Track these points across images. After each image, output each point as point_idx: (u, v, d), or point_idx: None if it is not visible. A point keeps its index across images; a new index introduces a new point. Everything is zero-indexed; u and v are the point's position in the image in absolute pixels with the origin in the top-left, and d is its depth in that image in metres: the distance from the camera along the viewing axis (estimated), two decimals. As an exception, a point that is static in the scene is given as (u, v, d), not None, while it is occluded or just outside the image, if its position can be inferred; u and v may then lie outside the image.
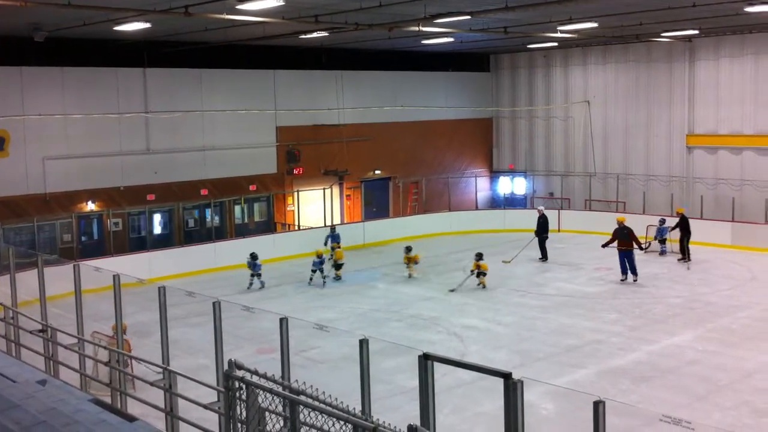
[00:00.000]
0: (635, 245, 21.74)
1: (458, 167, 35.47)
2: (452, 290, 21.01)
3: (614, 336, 16.76)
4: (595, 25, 23.28)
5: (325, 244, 24.53)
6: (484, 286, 21.09)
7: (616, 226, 22.19)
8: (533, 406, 11.67)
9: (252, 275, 21.80)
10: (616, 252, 21.85)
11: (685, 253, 24.33)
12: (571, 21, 22.09)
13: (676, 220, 25.02)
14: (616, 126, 33.08)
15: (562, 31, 24.54)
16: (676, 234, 24.87)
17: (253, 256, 21.88)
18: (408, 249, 22.87)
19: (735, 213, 27.42)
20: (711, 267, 23.53)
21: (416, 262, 22.77)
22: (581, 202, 32.88)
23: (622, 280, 21.54)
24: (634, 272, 21.57)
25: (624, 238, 21.73)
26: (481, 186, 35.13)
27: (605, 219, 26.29)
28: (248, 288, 21.62)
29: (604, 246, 22.28)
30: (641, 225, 26.00)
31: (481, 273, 21.24)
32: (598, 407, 5.02)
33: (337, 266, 22.53)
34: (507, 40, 28.63)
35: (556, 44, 31.78)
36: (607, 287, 21.28)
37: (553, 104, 35.09)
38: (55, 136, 24.16)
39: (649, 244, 22.82)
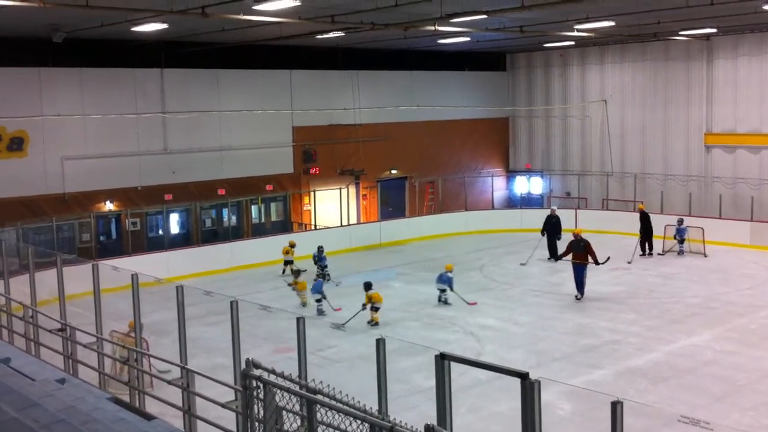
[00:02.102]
0: (591, 260, 19.88)
1: (474, 167, 35.40)
2: (341, 325, 17.40)
3: (632, 336, 16.68)
4: (612, 23, 23.16)
5: (316, 263, 22.48)
6: (376, 323, 17.79)
7: (572, 238, 20.44)
8: (550, 406, 11.63)
9: (321, 267, 22.18)
10: (631, 251, 21.75)
11: (644, 249, 24.86)
12: (588, 20, 21.98)
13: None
14: (634, 125, 32.90)
15: (578, 30, 24.42)
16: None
17: (320, 249, 22.46)
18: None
19: (754, 212, 27.20)
20: (729, 266, 23.36)
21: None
22: (598, 202, 32.73)
23: (577, 298, 19.76)
24: (581, 288, 19.81)
25: (579, 251, 19.99)
26: (497, 185, 35.04)
27: (622, 218, 26.17)
28: (293, 284, 20.45)
29: (557, 259, 21.47)
30: (659, 225, 25.89)
31: (373, 307, 17.96)
32: (616, 407, 5.01)
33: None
34: (523, 39, 28.55)
35: (572, 43, 31.65)
36: (624, 287, 21.18)
37: (570, 103, 34.95)
38: (73, 136, 24.33)
39: (608, 258, 20.56)
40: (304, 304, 19.62)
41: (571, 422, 11.87)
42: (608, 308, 19.03)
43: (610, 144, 33.54)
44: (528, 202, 34.65)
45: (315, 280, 20.25)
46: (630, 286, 21.34)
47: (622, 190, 32.87)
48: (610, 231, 27.11)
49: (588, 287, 20.79)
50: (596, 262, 19.99)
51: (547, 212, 25.92)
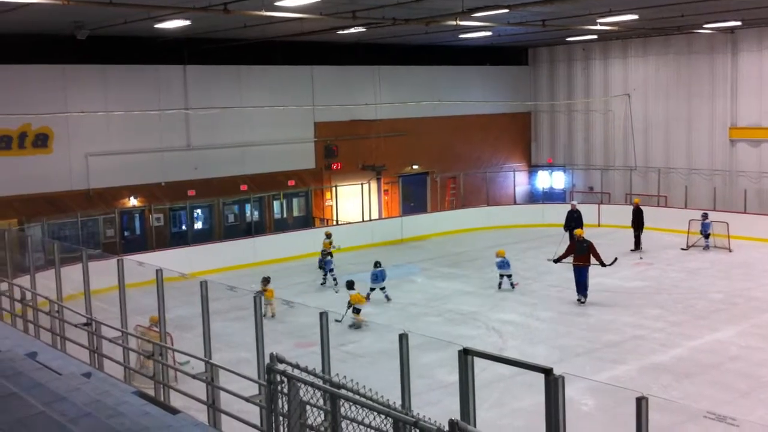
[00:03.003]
0: (597, 261, 19.03)
1: (496, 162, 35.29)
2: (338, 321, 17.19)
3: (656, 332, 16.57)
4: (635, 17, 22.98)
5: (320, 268, 22.10)
6: (358, 326, 17.35)
7: (576, 239, 19.59)
8: (573, 402, 11.58)
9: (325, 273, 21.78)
10: (655, 246, 21.58)
11: (637, 244, 24.84)
12: (610, 13, 21.83)
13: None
14: (657, 119, 32.62)
15: (601, 24, 24.25)
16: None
17: (324, 254, 22.04)
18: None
19: (779, 207, 26.95)
20: (754, 262, 23.13)
21: (357, 309, 17.82)
22: (621, 197, 32.51)
23: (579, 301, 18.96)
24: (585, 291, 19.01)
25: (582, 253, 19.09)
26: (519, 180, 34.92)
27: (646, 214, 25.94)
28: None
29: (556, 261, 19.87)
30: (683, 220, 25.69)
31: (355, 309, 17.65)
32: (641, 403, 4.96)
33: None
34: (545, 34, 28.39)
35: (595, 37, 31.43)
36: (648, 282, 21.03)
37: (593, 97, 34.72)
38: (97, 132, 24.54)
39: (616, 259, 19.78)
40: (272, 315, 18.07)
41: (594, 418, 11.81)
42: (631, 304, 18.91)
43: (634, 138, 33.30)
44: (550, 196, 34.48)
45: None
46: (654, 281, 21.18)
47: (645, 184, 32.63)
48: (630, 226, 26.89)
49: (611, 282, 20.69)
50: (602, 264, 19.11)
51: (569, 208, 25.79)
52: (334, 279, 21.42)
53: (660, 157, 32.54)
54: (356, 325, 17.39)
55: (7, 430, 4.54)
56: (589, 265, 19.05)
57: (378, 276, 19.84)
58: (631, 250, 24.60)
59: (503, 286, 20.54)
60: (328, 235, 23.78)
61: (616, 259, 19.95)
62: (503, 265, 20.68)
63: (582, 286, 18.99)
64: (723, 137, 30.59)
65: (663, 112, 32.40)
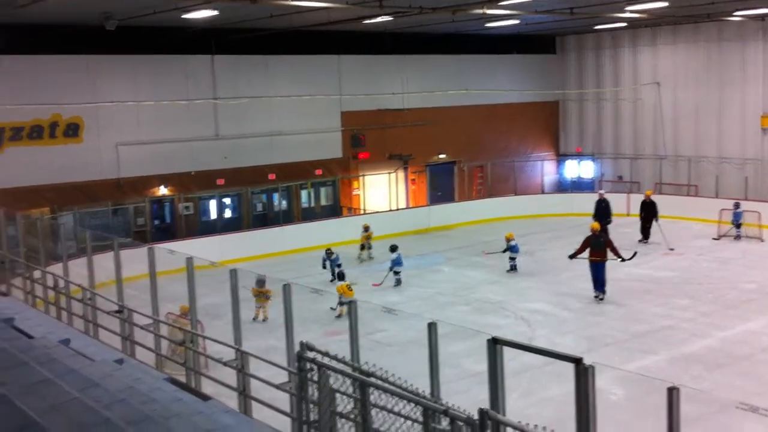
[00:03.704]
0: (614, 256, 18.43)
1: (524, 151, 35.10)
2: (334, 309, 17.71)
3: (686, 322, 16.43)
4: (665, 4, 22.67)
5: (324, 267, 21.14)
6: (339, 316, 17.32)
7: (589, 234, 18.95)
8: (603, 392, 11.50)
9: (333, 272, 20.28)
10: (685, 236, 21.36)
11: (646, 235, 24.45)
12: (639, 0, 21.57)
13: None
14: (687, 107, 32.22)
15: (630, 12, 23.98)
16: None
17: (329, 252, 21.16)
18: (340, 276, 18.35)
19: (812, 196, 26.54)
20: (787, 252, 22.85)
21: (341, 302, 17.43)
22: (651, 186, 32.14)
23: (598, 298, 18.35)
24: (603, 288, 18.39)
25: (598, 248, 18.50)
26: (547, 170, 34.71)
27: (676, 203, 25.72)
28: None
29: (571, 257, 18.99)
30: (714, 209, 25.40)
31: (340, 301, 17.35)
32: (672, 393, 4.94)
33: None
34: (573, 22, 28.10)
35: (624, 25, 31.08)
36: (678, 272, 20.84)
37: (622, 86, 34.37)
38: (127, 122, 24.76)
39: (635, 254, 19.28)
40: (264, 319, 17.00)
41: (624, 408, 11.76)
42: (661, 293, 18.76)
43: (663, 127, 32.94)
44: (579, 186, 34.25)
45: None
46: (684, 271, 20.98)
47: (675, 173, 32.28)
48: (663, 216, 26.61)
49: (641, 272, 20.53)
50: (621, 258, 18.51)
51: (596, 197, 25.60)
52: (335, 274, 19.62)
53: (690, 146, 32.15)
54: (341, 316, 17.26)
55: (43, 415, 4.62)
56: (606, 260, 18.42)
57: (398, 260, 20.22)
58: (639, 241, 24.15)
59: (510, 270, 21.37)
60: (366, 228, 23.77)
61: (635, 253, 19.47)
62: (516, 247, 21.50)
63: (599, 283, 18.37)
64: (755, 126, 30.14)
65: (693, 101, 32.00)
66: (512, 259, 21.53)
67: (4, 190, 21.67)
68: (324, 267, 21.04)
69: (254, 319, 16.74)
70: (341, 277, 18.16)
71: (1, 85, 22.03)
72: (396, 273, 20.41)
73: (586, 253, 18.65)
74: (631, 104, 34.24)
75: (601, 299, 18.28)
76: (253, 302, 17.00)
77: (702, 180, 30.82)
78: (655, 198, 25.13)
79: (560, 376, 11.71)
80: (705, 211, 26.35)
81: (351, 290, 17.58)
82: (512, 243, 21.57)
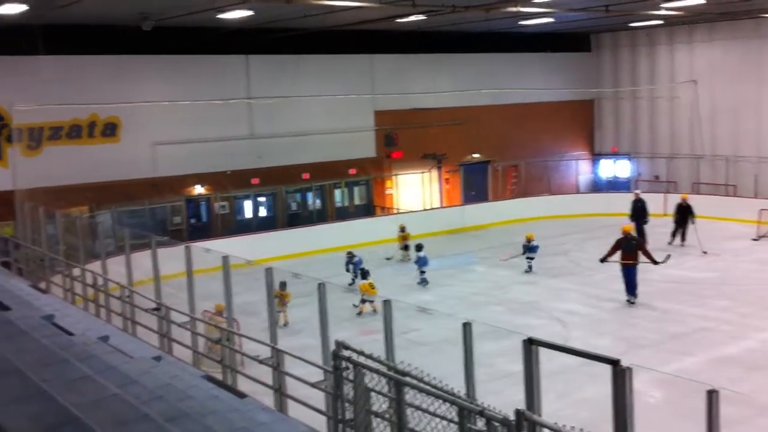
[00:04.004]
0: (647, 259, 17.97)
1: (558, 150, 34.82)
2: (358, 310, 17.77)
3: (724, 323, 16.20)
4: (702, 1, 22.37)
5: (347, 270, 20.72)
6: (360, 313, 17.67)
7: (620, 236, 18.49)
8: (640, 394, 11.32)
9: (355, 274, 20.11)
10: (723, 237, 21.03)
11: (683, 237, 23.81)
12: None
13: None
14: (725, 106, 31.73)
15: (666, 9, 23.69)
16: (767, 216, 23.78)
17: (350, 255, 20.87)
18: (364, 274, 18.52)
19: None
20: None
21: (363, 299, 17.86)
22: (688, 186, 31.75)
23: (629, 302, 17.99)
24: (634, 291, 17.95)
25: (630, 251, 18.06)
26: (582, 169, 34.43)
27: (714, 203, 25.36)
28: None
29: (602, 260, 18.57)
30: (753, 209, 24.99)
31: (362, 299, 17.72)
32: (712, 396, 4.88)
33: (363, 301, 17.95)
34: (608, 19, 27.82)
35: (660, 22, 30.70)
36: (716, 273, 20.55)
37: (658, 84, 33.96)
38: (163, 122, 25.04)
39: (668, 257, 18.62)
40: (285, 324, 16.59)
41: (661, 410, 11.63)
42: (699, 294, 18.51)
43: (701, 125, 32.48)
44: (614, 185, 33.91)
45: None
46: (722, 272, 20.68)
47: (713, 173, 31.82)
48: (700, 216, 26.26)
49: (678, 273, 20.26)
50: (654, 262, 18.03)
51: (632, 197, 25.32)
52: (357, 273, 19.77)
53: (728, 145, 31.66)
54: (361, 314, 17.58)
55: (84, 410, 4.68)
56: (638, 264, 17.94)
57: (423, 260, 20.35)
58: (682, 245, 23.66)
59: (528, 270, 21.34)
60: (402, 228, 23.73)
61: (668, 256, 18.86)
62: (531, 249, 21.49)
63: (631, 286, 17.95)
64: (795, 124, 29.63)
65: (731, 99, 31.50)
66: (530, 259, 21.47)
67: (43, 189, 22.01)
68: (347, 270, 20.72)
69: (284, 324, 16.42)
70: (365, 275, 18.23)
71: (40, 85, 22.38)
72: (422, 272, 20.40)
73: (617, 256, 18.28)
74: (667, 102, 33.82)
75: (633, 303, 17.93)
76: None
77: (740, 179, 30.33)
78: (692, 198, 24.79)
79: (596, 378, 11.59)
80: (743, 212, 25.93)
81: (374, 288, 17.71)
82: (533, 243, 21.50)
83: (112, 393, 5.22)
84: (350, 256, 20.84)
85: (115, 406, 4.97)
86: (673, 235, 24.02)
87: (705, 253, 22.78)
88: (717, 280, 19.90)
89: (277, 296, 15.92)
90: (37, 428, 4.25)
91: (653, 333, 15.81)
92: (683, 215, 24.06)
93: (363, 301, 17.78)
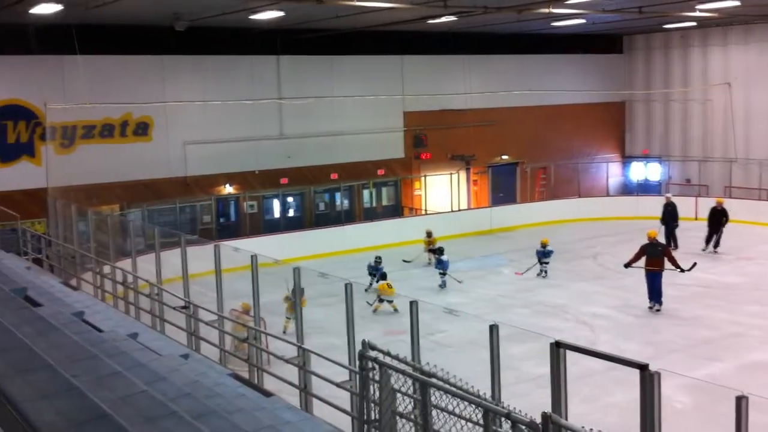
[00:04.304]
0: (672, 266, 17.48)
1: (588, 152, 34.55)
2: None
3: (755, 329, 15.99)
4: (737, 3, 22.09)
5: (370, 274, 20.38)
6: (376, 311, 17.95)
7: (646, 242, 17.98)
8: (668, 399, 11.24)
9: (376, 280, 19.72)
10: (756, 241, 20.72)
11: (717, 243, 23.17)
12: (711, -1, 21.08)
13: None
14: (760, 109, 31.29)
15: (700, 10, 23.43)
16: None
17: (377, 260, 20.48)
18: (383, 276, 18.92)
19: None
20: None
21: (381, 299, 18.06)
22: (720, 189, 31.36)
23: (650, 308, 17.58)
24: (659, 298, 17.54)
25: (655, 257, 17.60)
26: (612, 172, 34.12)
27: (746, 207, 25.01)
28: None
29: (626, 266, 18.17)
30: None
31: (380, 299, 17.99)
32: (741, 402, 4.82)
33: (381, 300, 18.22)
34: (642, 21, 27.55)
35: (694, 24, 30.36)
36: (747, 278, 20.29)
37: (691, 86, 33.59)
38: (194, 121, 25.24)
39: (695, 264, 18.10)
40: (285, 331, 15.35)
41: (690, 416, 11.51)
42: (729, 299, 18.29)
43: (734, 129, 32.08)
44: (645, 188, 33.57)
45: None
46: (754, 277, 20.41)
47: (746, 177, 31.38)
48: (733, 220, 25.93)
49: (708, 277, 20.02)
50: (680, 269, 17.54)
51: (663, 200, 25.05)
52: (377, 278, 19.70)
53: (762, 149, 31.20)
54: (376, 311, 17.91)
55: (113, 406, 4.75)
56: (663, 270, 17.52)
57: (443, 263, 20.48)
58: (715, 251, 23.12)
59: (541, 275, 21.11)
60: (429, 234, 23.64)
61: (695, 264, 18.33)
62: (546, 254, 21.22)
63: (656, 293, 17.50)
64: (831, 128, 29.13)
65: (765, 102, 31.06)
66: (545, 263, 21.27)
67: (75, 187, 22.30)
68: (369, 273, 20.27)
69: (284, 332, 15.04)
70: (384, 276, 18.53)
71: (73, 84, 22.65)
72: (441, 275, 20.43)
73: (642, 262, 17.90)
74: (700, 105, 33.44)
75: (658, 310, 17.50)
76: (285, 310, 15.88)
77: (774, 183, 29.92)
78: (724, 201, 24.42)
79: (624, 382, 11.52)
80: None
81: (391, 288, 17.92)
82: (548, 248, 21.34)
83: (140, 390, 5.29)
84: (378, 261, 20.42)
85: (144, 402, 5.04)
86: (707, 241, 23.46)
87: (715, 251, 22.60)
88: (748, 285, 19.64)
89: (289, 300, 15.49)
90: (67, 423, 4.32)
91: (682, 338, 15.65)
92: (718, 220, 23.52)
93: (380, 300, 17.98)
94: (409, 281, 21.19)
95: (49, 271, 16.21)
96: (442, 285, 20.37)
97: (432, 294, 19.44)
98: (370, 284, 19.78)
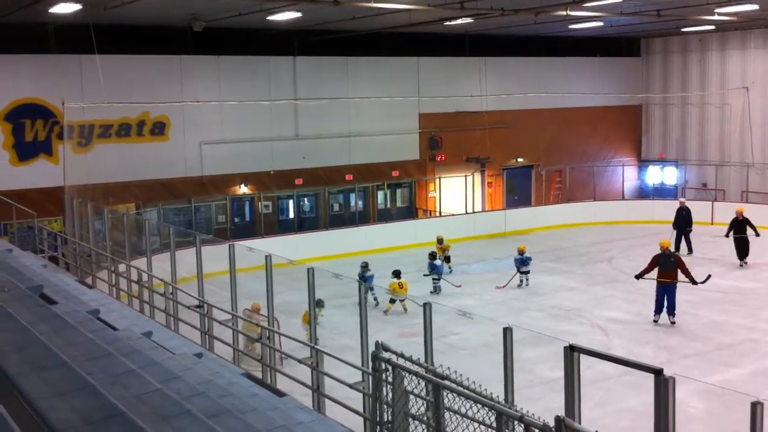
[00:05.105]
0: (686, 278, 16.80)
1: (604, 156, 34.42)
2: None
3: (771, 335, 15.86)
4: (755, 7, 21.94)
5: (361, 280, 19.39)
6: (387, 311, 18.07)
7: (658, 252, 17.27)
8: (682, 404, 11.21)
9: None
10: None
11: (745, 254, 22.10)
12: (729, 3, 20.95)
13: None
14: (778, 113, 31.09)
15: (719, 14, 23.29)
16: None
17: (364, 267, 19.55)
18: (396, 274, 18.51)
19: None
20: None
21: (393, 299, 18.18)
22: (737, 194, 31.16)
23: (655, 322, 16.88)
24: (672, 312, 16.78)
25: (668, 268, 16.85)
26: (628, 175, 33.97)
27: (764, 212, 24.80)
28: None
29: (638, 277, 17.52)
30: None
31: (392, 299, 18.09)
32: (756, 408, 4.79)
33: (392, 301, 18.27)
34: (660, 24, 27.44)
35: (712, 27, 30.19)
36: (763, 283, 20.14)
37: (708, 90, 33.39)
38: (211, 121, 25.35)
39: (709, 277, 17.38)
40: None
41: (704, 421, 11.45)
42: (745, 305, 18.16)
43: (752, 133, 31.85)
44: (661, 192, 33.39)
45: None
46: (770, 282, 20.26)
47: (763, 182, 31.17)
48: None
49: (724, 283, 19.87)
50: (693, 282, 16.87)
51: (677, 205, 24.87)
52: (375, 298, 18.89)
53: (780, 153, 31.02)
54: (387, 312, 17.94)
55: (128, 405, 4.77)
56: (677, 282, 16.77)
57: (437, 268, 20.43)
58: (742, 264, 22.16)
59: (522, 285, 20.46)
60: (440, 240, 23.39)
61: (709, 276, 17.51)
62: (525, 261, 20.45)
63: (670, 306, 16.73)
64: None
65: (784, 106, 30.86)
66: (525, 273, 20.47)
67: (92, 186, 22.43)
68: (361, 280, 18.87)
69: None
70: (397, 275, 18.38)
71: (91, 83, 22.77)
72: (435, 280, 20.28)
73: (654, 273, 17.13)
74: (717, 109, 33.23)
75: (673, 323, 16.75)
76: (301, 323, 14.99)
77: (792, 189, 29.71)
78: (744, 209, 24.02)
79: (637, 387, 11.48)
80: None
81: (402, 288, 17.93)
82: (526, 255, 20.53)
83: (155, 388, 5.31)
84: (364, 267, 19.26)
85: (158, 400, 5.06)
86: (740, 256, 22.29)
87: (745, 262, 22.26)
88: (764, 290, 19.50)
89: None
90: (82, 421, 4.35)
91: (697, 343, 15.55)
92: (740, 230, 22.51)
93: (391, 301, 17.97)
94: (423, 282, 21.17)
95: (65, 269, 16.30)
96: (436, 290, 20.11)
97: (445, 297, 19.42)
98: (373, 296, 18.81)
